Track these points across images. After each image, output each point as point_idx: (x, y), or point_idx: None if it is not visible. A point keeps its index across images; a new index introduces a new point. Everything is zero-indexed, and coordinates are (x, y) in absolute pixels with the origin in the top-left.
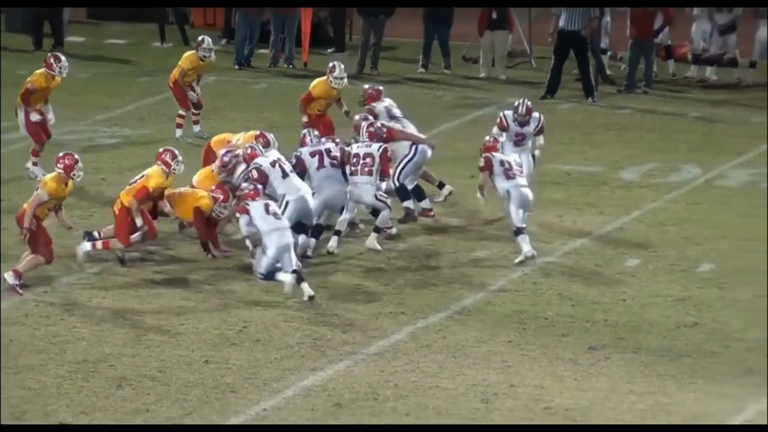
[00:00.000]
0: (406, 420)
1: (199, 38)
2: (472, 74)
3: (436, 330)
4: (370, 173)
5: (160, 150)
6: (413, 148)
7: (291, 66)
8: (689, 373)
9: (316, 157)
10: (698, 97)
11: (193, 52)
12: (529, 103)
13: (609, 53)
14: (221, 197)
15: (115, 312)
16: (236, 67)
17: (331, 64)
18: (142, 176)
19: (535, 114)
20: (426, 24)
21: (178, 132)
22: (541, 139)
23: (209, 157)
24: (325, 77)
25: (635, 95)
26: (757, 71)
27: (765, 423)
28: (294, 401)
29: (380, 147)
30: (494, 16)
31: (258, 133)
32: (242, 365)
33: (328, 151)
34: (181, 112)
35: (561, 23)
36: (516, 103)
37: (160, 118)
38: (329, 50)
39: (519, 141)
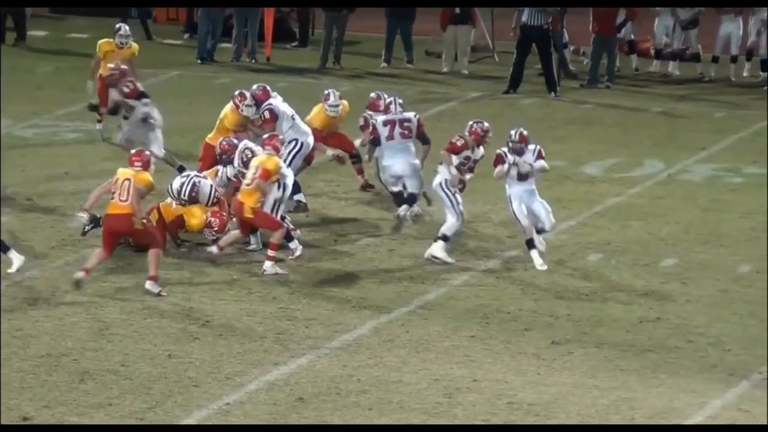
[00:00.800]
0: (369, 414)
1: (116, 25)
2: (435, 69)
3: (399, 324)
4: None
5: (266, 136)
6: (298, 140)
7: (254, 60)
8: (652, 368)
9: (388, 127)
10: (661, 92)
11: (108, 39)
12: (524, 131)
13: (572, 48)
14: (217, 224)
15: (78, 306)
16: (199, 61)
17: (326, 92)
18: (254, 171)
19: (531, 146)
20: (388, 19)
21: (98, 126)
22: (540, 163)
23: (208, 154)
24: (320, 106)
25: (598, 90)
26: (720, 66)
27: (728, 417)
28: (257, 396)
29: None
30: (457, 10)
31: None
32: (205, 359)
33: (402, 121)
34: (100, 109)
35: (523, 18)
36: (510, 131)
37: None
38: (292, 44)
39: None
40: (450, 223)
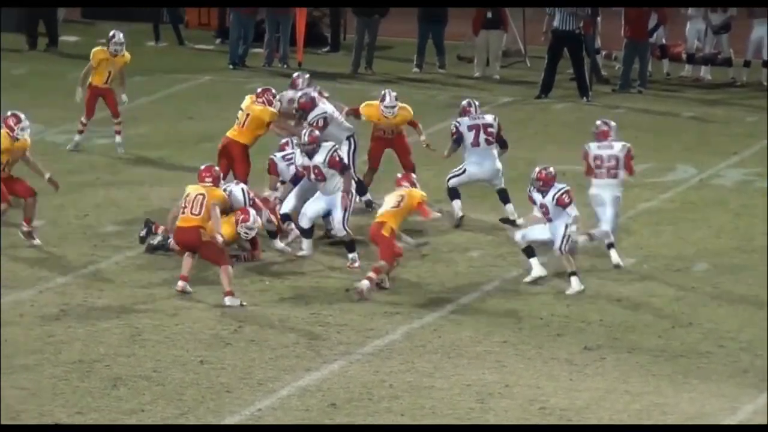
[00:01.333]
0: (401, 420)
1: (110, 33)
2: (467, 74)
3: (431, 330)
4: (614, 176)
5: (399, 175)
6: (352, 139)
7: (286, 66)
8: (684, 373)
9: (473, 132)
10: (693, 96)
11: (102, 47)
12: (551, 169)
13: (603, 53)
14: (242, 216)
15: (110, 312)
16: (231, 66)
17: (383, 92)
18: (401, 198)
19: (559, 185)
20: (420, 23)
21: (77, 137)
22: (573, 211)
23: (240, 152)
24: (378, 101)
25: (630, 95)
26: (752, 71)
27: (760, 422)
28: (289, 401)
29: (624, 147)
30: (489, 15)
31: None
32: (237, 365)
33: (486, 126)
34: (82, 119)
35: (555, 23)
36: (535, 168)
37: (153, 117)
38: (324, 50)
39: (545, 213)
40: (604, 231)
